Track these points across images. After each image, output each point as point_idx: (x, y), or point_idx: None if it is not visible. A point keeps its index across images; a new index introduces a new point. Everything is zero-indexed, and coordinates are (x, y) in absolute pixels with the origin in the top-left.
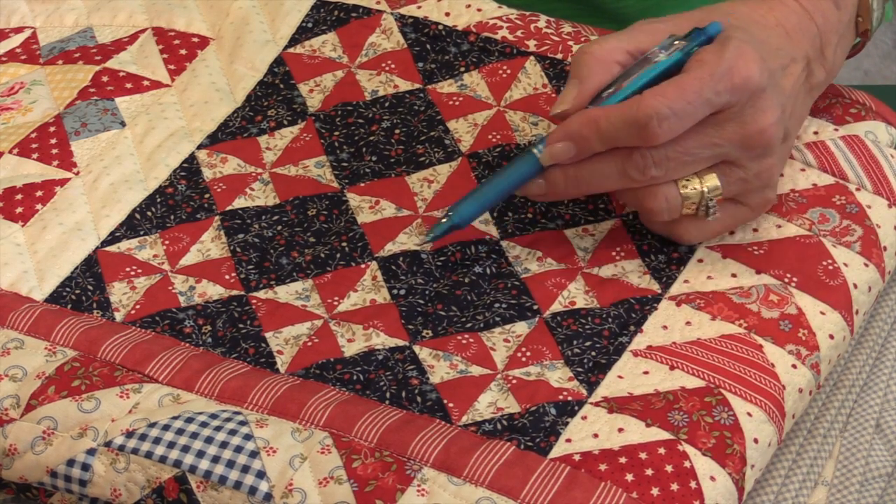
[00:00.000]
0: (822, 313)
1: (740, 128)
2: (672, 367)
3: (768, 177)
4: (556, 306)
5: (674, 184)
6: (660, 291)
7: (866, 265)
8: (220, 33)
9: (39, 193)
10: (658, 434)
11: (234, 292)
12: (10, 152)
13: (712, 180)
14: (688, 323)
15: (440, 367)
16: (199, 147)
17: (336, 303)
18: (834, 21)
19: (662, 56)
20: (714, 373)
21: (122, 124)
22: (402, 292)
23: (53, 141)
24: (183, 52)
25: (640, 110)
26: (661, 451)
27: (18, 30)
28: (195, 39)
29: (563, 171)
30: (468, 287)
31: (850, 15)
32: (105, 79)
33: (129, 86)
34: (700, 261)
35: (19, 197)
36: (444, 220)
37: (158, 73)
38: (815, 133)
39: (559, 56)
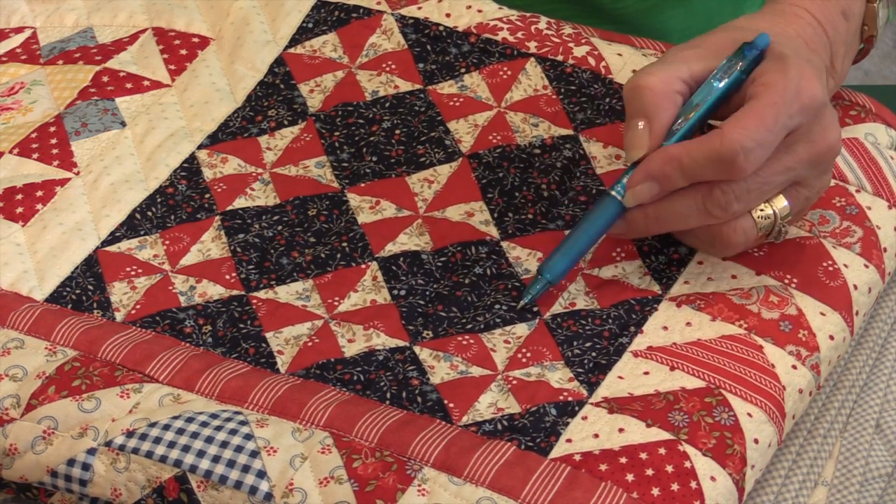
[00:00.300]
0: (823, 314)
1: (811, 147)
2: (672, 368)
3: (824, 192)
4: (557, 307)
5: (749, 214)
6: (660, 292)
7: (866, 266)
8: (221, 33)
9: (40, 193)
10: (658, 434)
11: (235, 292)
12: (10, 152)
13: (781, 202)
14: (688, 324)
15: (440, 368)
16: (200, 147)
17: (336, 303)
18: (843, 32)
19: (724, 79)
20: (714, 373)
21: (123, 124)
22: (403, 293)
23: (54, 141)
24: (183, 52)
25: (725, 145)
26: (662, 451)
27: (18, 30)
28: (195, 39)
29: (643, 212)
30: (468, 288)
31: (857, 25)
32: (105, 79)
33: (129, 86)
34: (700, 262)
35: (19, 197)
36: (538, 280)
37: (159, 73)
38: None
39: (560, 58)
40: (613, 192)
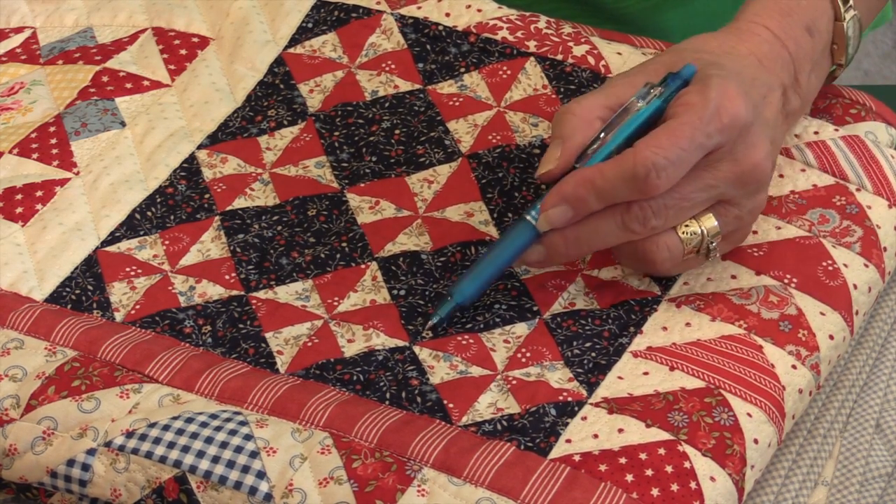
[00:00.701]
0: (822, 314)
1: (734, 166)
2: (672, 368)
3: (759, 212)
4: (557, 307)
5: (673, 231)
6: (659, 293)
7: (866, 266)
8: (220, 33)
9: (39, 193)
10: (658, 434)
11: (234, 292)
12: (10, 152)
13: (710, 221)
14: (687, 324)
15: (440, 368)
16: (199, 147)
17: (336, 303)
18: (807, 48)
19: (641, 105)
20: (714, 373)
21: (122, 124)
22: (402, 293)
23: (53, 141)
24: (183, 52)
25: (637, 164)
26: (661, 451)
27: (18, 30)
28: (195, 39)
29: (562, 235)
30: None
31: (825, 42)
32: (105, 79)
33: (129, 86)
34: None
35: (19, 197)
36: (447, 301)
37: (158, 73)
38: (816, 133)
39: (559, 57)
40: (528, 217)
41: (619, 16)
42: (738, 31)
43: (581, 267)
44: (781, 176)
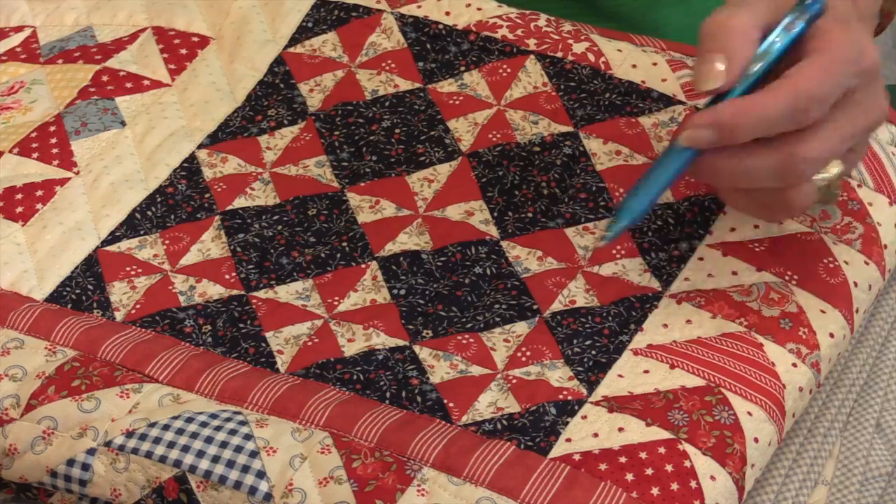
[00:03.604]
0: (823, 311)
1: (868, 113)
2: (672, 366)
3: (864, 154)
4: (557, 305)
5: (811, 179)
6: (660, 289)
7: (867, 263)
8: (221, 33)
9: (39, 193)
10: (658, 433)
11: (235, 292)
12: (10, 152)
13: (837, 165)
14: (688, 321)
15: (440, 367)
16: (200, 147)
17: (336, 303)
18: (871, 4)
19: (790, 31)
20: (714, 371)
21: (123, 124)
22: (403, 292)
23: (53, 140)
24: (183, 51)
25: (800, 95)
26: (662, 450)
27: (18, 29)
28: (195, 39)
29: (712, 165)
30: (468, 288)
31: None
32: (105, 78)
33: (129, 85)
34: (701, 259)
35: (19, 196)
36: (618, 220)
37: (159, 72)
38: None
39: (559, 55)
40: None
41: (616, 13)
42: None
43: (581, 264)
44: None
